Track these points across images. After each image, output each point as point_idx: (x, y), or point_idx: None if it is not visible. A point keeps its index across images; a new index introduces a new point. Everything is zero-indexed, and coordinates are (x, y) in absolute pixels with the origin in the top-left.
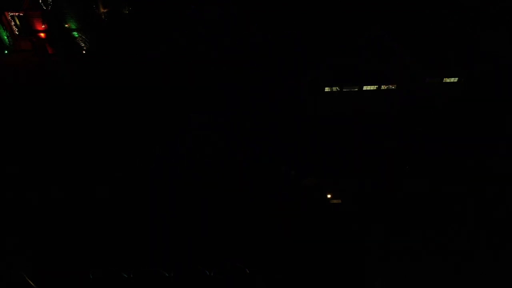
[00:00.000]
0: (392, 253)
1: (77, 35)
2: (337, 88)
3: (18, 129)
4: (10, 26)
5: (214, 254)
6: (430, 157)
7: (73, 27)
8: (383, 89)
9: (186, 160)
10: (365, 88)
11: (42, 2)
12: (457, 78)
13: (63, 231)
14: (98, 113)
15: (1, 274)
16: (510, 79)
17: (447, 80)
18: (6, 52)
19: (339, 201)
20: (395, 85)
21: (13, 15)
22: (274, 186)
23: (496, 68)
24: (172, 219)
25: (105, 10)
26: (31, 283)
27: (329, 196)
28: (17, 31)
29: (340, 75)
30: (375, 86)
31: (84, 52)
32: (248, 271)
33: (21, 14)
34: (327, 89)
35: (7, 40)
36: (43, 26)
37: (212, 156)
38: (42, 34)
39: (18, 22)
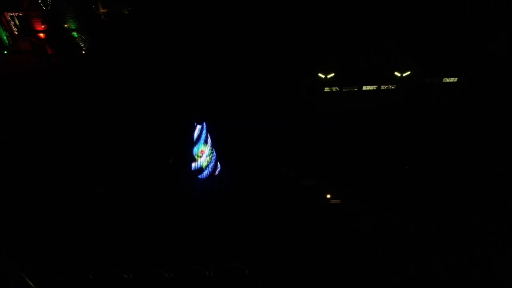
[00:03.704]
0: (392, 253)
1: (76, 35)
2: (336, 88)
3: (17, 130)
4: (10, 27)
5: (214, 254)
6: (430, 157)
7: (73, 27)
8: (383, 89)
9: (186, 160)
10: (364, 88)
11: (41, 2)
12: (457, 78)
13: (63, 231)
14: (97, 113)
15: (1, 274)
16: (510, 79)
17: (447, 80)
18: (5, 52)
19: (339, 201)
20: (395, 85)
21: (12, 16)
22: (274, 187)
23: (496, 68)
24: (172, 219)
25: (105, 11)
26: (31, 283)
27: (328, 196)
28: (16, 31)
29: (340, 75)
30: (375, 86)
31: (83, 52)
32: (247, 271)
33: (20, 14)
34: (327, 89)
35: (6, 40)
36: (42, 27)
37: (211, 156)
38: (41, 35)
39: (17, 23)
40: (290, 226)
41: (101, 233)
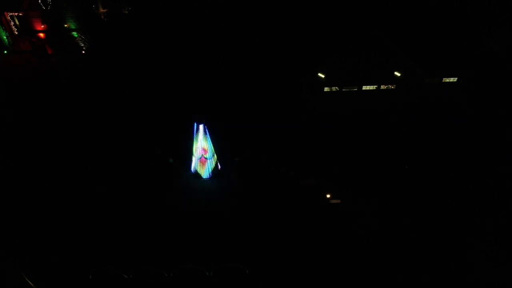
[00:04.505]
0: (392, 253)
1: (76, 35)
2: (336, 88)
3: (17, 129)
4: (10, 27)
5: (214, 254)
6: (430, 157)
7: (73, 27)
8: (382, 89)
9: (186, 160)
10: (364, 88)
11: (41, 2)
12: (457, 78)
13: (63, 231)
14: (97, 113)
15: (1, 274)
16: (510, 78)
17: (447, 80)
18: (5, 52)
19: (339, 201)
20: (395, 85)
21: (12, 15)
22: (274, 187)
23: (496, 68)
24: (172, 219)
25: (105, 10)
26: (31, 283)
27: (328, 196)
28: (16, 31)
29: (340, 75)
30: (375, 86)
31: (83, 52)
32: (247, 271)
33: (20, 14)
34: (326, 89)
35: (6, 40)
36: (42, 26)
37: (211, 155)
38: (41, 34)
39: (17, 22)
40: (290, 226)
41: (101, 233)
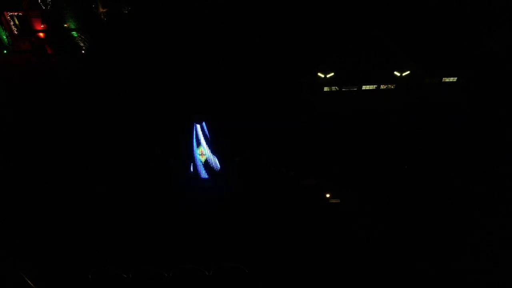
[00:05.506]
0: (391, 253)
1: (76, 35)
2: (336, 87)
3: (17, 129)
4: (10, 26)
5: (213, 254)
6: (430, 157)
7: (72, 27)
8: (382, 89)
9: (186, 160)
10: (364, 87)
11: (41, 1)
12: (456, 78)
13: (63, 231)
14: (97, 113)
15: (1, 274)
16: (510, 78)
17: (447, 80)
18: (5, 52)
19: (338, 201)
20: (395, 85)
21: (12, 15)
22: (274, 187)
23: (496, 68)
24: (172, 219)
25: (105, 10)
26: (31, 283)
27: (328, 195)
28: (16, 31)
29: (340, 75)
30: (375, 86)
31: (83, 52)
32: (247, 271)
33: (20, 14)
34: (326, 88)
35: (6, 40)
36: (42, 26)
37: (211, 156)
38: (41, 34)
39: (17, 22)
40: (290, 226)
41: (101, 233)
